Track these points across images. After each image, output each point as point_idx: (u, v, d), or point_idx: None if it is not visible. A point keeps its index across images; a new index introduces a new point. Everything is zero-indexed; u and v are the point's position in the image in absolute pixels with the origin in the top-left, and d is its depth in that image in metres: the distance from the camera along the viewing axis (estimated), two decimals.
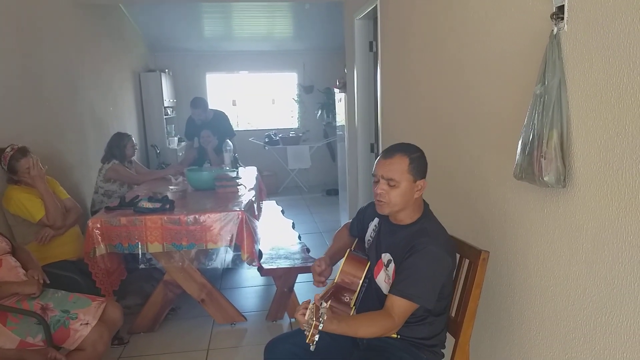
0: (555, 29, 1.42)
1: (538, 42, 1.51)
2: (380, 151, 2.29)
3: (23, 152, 2.83)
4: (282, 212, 4.78)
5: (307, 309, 1.40)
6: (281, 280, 3.27)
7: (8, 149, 2.80)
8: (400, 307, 1.56)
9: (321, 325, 1.34)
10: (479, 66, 1.97)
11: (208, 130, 4.81)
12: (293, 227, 4.30)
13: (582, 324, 1.43)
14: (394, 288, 1.60)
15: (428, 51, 2.53)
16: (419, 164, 1.68)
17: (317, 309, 1.38)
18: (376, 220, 1.87)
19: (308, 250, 3.62)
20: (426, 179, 1.73)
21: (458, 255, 1.81)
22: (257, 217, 3.59)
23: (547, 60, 1.43)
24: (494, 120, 1.87)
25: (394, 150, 1.70)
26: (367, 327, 1.55)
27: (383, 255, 1.75)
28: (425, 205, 1.78)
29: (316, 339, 1.35)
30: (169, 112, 7.19)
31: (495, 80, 1.85)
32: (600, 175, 1.31)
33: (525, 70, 1.61)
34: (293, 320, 3.33)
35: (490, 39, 1.87)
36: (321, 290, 1.75)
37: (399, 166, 1.65)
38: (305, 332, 1.35)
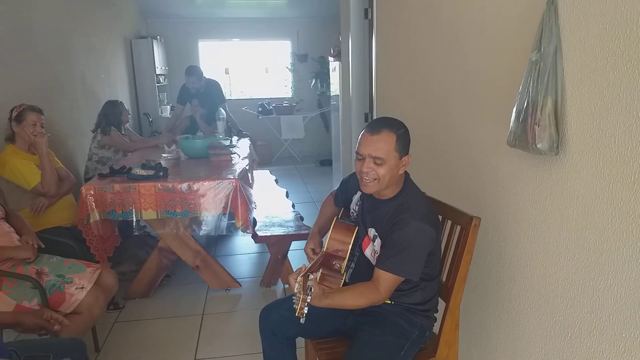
0: None
1: (534, 8, 1.50)
2: None
3: (38, 109, 2.87)
4: (276, 181, 4.79)
5: (300, 275, 1.41)
6: (275, 248, 3.30)
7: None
8: (386, 280, 1.60)
9: (309, 298, 1.35)
10: (475, 33, 1.95)
11: (197, 99, 4.85)
12: (287, 196, 4.32)
13: (570, 289, 1.47)
14: (380, 262, 1.62)
15: (423, 18, 2.51)
16: (404, 140, 1.64)
17: (305, 280, 1.38)
18: (359, 193, 1.86)
19: (302, 218, 3.64)
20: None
21: (450, 222, 1.83)
22: (251, 186, 3.59)
23: (543, 26, 1.42)
24: (489, 88, 1.87)
25: (380, 125, 1.63)
26: (355, 300, 1.59)
27: (369, 230, 1.76)
28: (406, 175, 1.76)
29: (305, 312, 1.35)
30: (161, 80, 7.11)
31: (490, 47, 1.84)
32: (593, 143, 1.32)
33: (521, 37, 1.60)
34: (287, 286, 3.37)
35: (486, 6, 1.85)
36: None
37: (386, 144, 1.60)
38: (294, 306, 1.36)
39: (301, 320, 1.36)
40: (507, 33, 1.71)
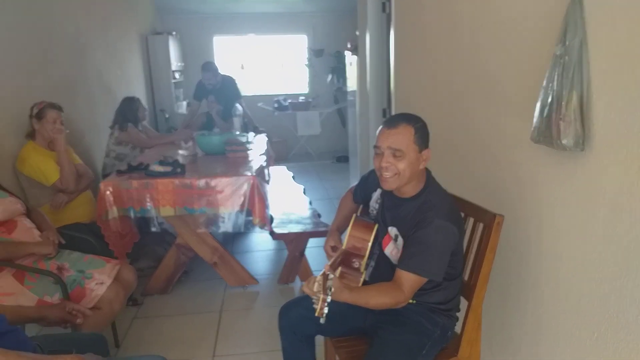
0: None
1: (559, 1, 1.46)
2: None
3: (58, 107, 2.92)
4: (293, 177, 4.78)
5: (314, 282, 1.39)
6: (292, 245, 3.29)
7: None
8: (408, 281, 1.56)
9: (329, 298, 1.33)
10: (497, 26, 1.92)
11: (213, 96, 4.86)
12: (304, 192, 4.31)
13: (596, 288, 1.43)
14: (402, 263, 1.59)
15: (443, 11, 2.47)
16: (423, 134, 1.62)
17: (325, 280, 1.37)
18: (379, 191, 1.84)
19: (319, 216, 3.63)
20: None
21: (472, 219, 1.81)
22: (268, 183, 3.59)
23: (568, 20, 1.39)
24: (511, 82, 1.83)
25: (397, 119, 1.63)
26: (378, 298, 1.56)
27: (390, 228, 1.74)
28: (428, 173, 1.73)
29: (325, 312, 1.33)
30: (177, 76, 7.12)
31: (513, 41, 1.80)
32: (620, 138, 1.29)
33: (544, 31, 1.57)
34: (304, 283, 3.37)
35: None
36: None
37: (405, 136, 1.58)
38: (314, 306, 1.34)
39: (321, 321, 1.34)
40: (529, 26, 1.68)
